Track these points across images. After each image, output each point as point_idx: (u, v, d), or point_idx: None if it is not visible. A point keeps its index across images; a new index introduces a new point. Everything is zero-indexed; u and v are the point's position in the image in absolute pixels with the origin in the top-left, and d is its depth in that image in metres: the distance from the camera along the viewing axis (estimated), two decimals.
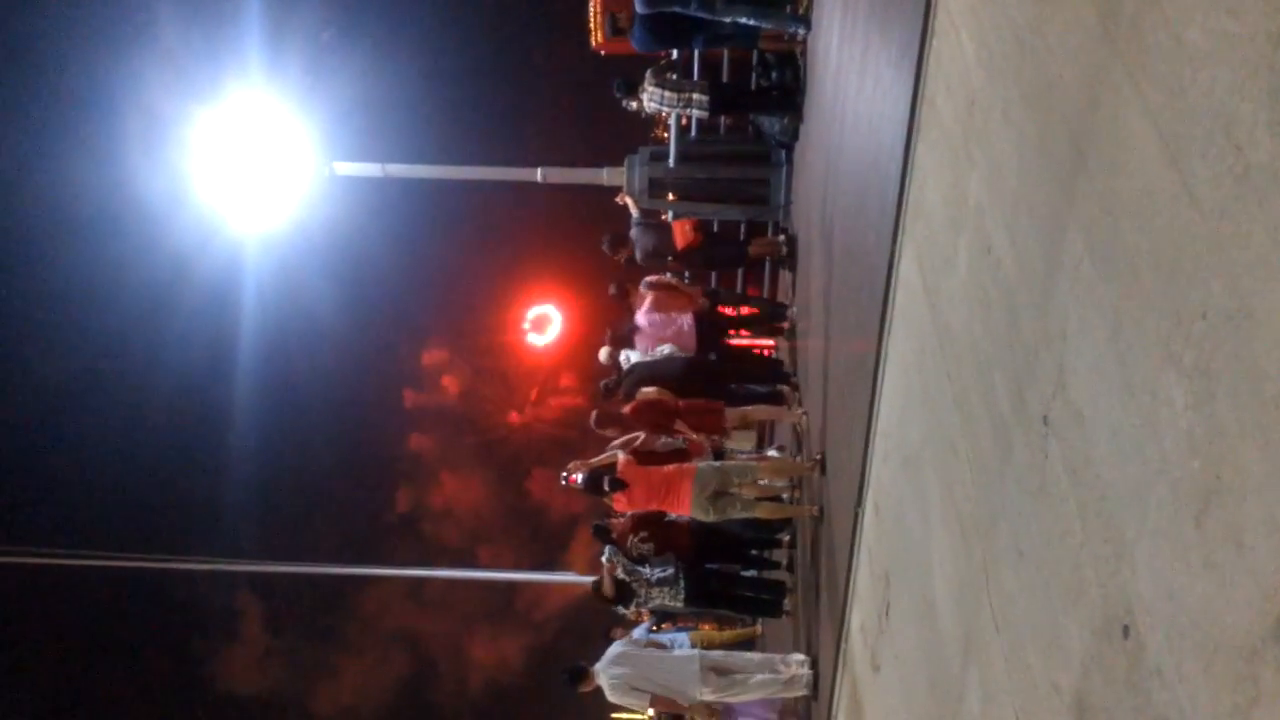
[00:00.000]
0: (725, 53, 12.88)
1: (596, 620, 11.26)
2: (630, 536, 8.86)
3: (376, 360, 47.03)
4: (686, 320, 10.33)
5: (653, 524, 8.69)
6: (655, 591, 9.56)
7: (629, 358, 10.54)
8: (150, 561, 17.41)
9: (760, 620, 12.18)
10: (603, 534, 9.12)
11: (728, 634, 12.67)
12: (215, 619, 45.83)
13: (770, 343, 12.68)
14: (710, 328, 10.78)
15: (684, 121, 12.85)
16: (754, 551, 10.47)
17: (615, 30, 11.56)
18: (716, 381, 10.51)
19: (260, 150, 14.39)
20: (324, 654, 48.88)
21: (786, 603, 9.84)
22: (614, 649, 8.14)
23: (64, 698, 41.89)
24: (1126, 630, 2.23)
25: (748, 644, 12.72)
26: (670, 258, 11.78)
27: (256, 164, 14.43)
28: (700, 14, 10.30)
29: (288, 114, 14.73)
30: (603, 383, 10.21)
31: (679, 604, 9.89)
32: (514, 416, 48.81)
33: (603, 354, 10.99)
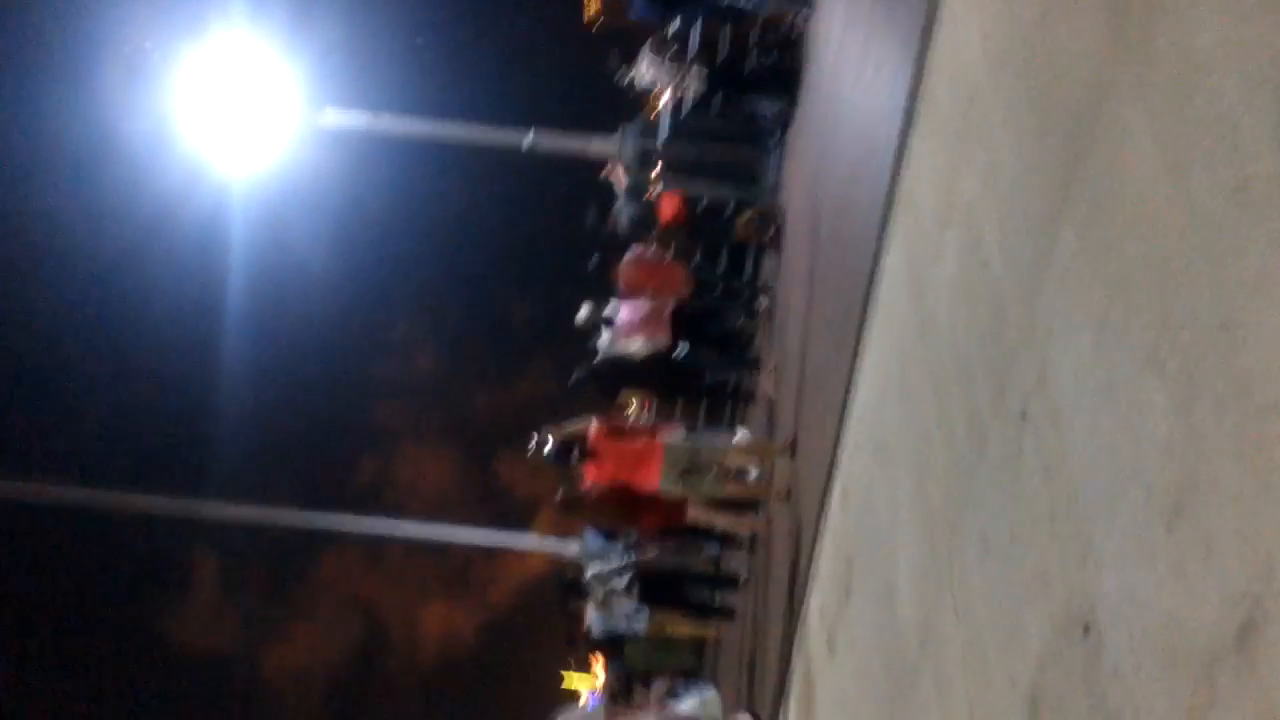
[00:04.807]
0: (725, 29, 12.84)
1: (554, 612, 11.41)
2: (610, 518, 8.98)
3: (361, 312, 46.87)
4: (666, 308, 10.40)
5: (621, 499, 8.71)
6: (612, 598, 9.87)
7: (609, 316, 10.51)
8: (105, 500, 17.15)
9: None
10: (573, 505, 9.14)
11: (683, 628, 12.74)
12: (172, 568, 45.61)
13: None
14: (687, 317, 10.86)
15: (679, 97, 12.81)
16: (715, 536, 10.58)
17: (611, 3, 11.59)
18: (682, 378, 10.66)
19: (248, 94, 14.25)
20: (280, 613, 48.84)
21: (736, 601, 10.01)
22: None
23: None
24: (1087, 628, 2.25)
25: (700, 643, 12.82)
26: (654, 231, 11.78)
27: (244, 107, 14.29)
28: None
29: (276, 58, 14.58)
30: (574, 377, 10.22)
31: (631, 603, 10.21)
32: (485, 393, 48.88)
33: (580, 314, 10.98)
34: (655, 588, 10.80)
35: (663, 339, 10.37)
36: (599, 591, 10.36)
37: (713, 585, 11.19)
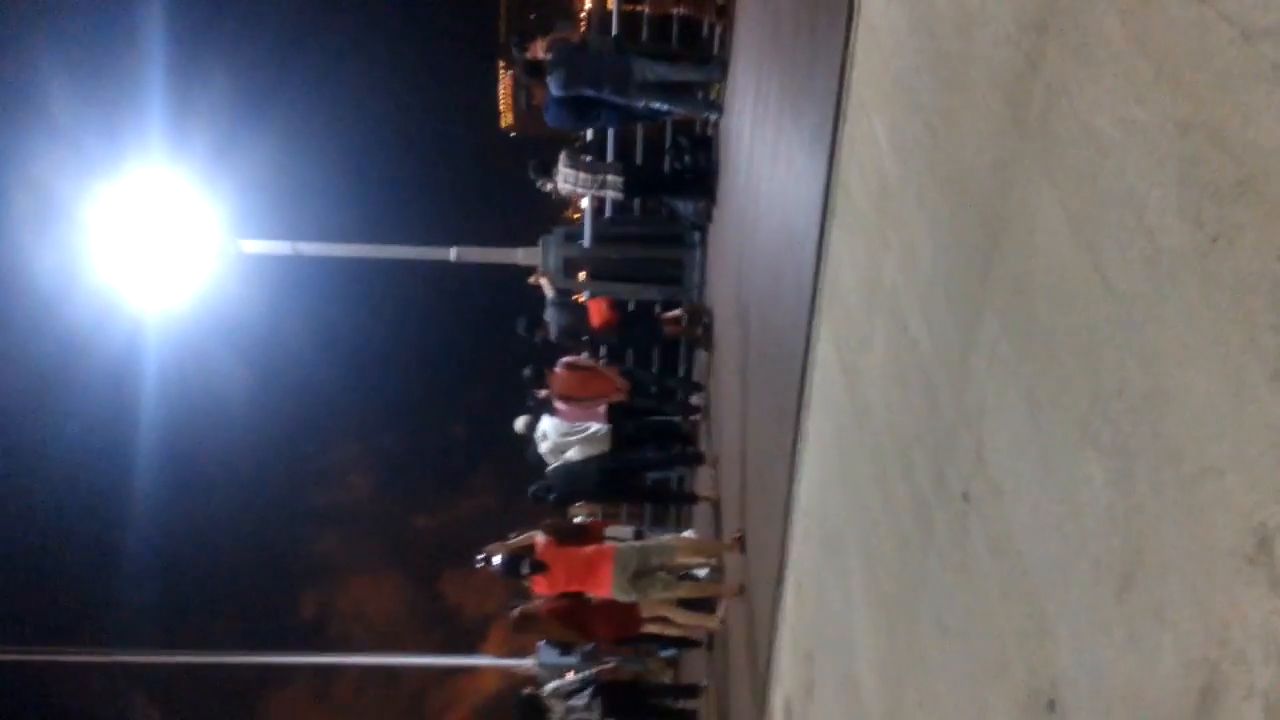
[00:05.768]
0: (639, 134, 13.10)
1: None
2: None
3: (284, 445, 46.17)
4: (601, 411, 10.47)
5: (574, 609, 8.59)
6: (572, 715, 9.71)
7: (545, 433, 10.54)
8: (35, 654, 16.40)
9: None
10: (527, 624, 9.00)
11: None
12: None
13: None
14: (625, 417, 10.89)
15: (598, 202, 12.99)
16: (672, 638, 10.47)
17: (528, 106, 11.86)
18: (630, 484, 10.68)
19: (164, 228, 14.07)
20: None
21: (699, 707, 9.89)
22: None
23: None
24: (1052, 705, 2.24)
25: None
26: (586, 337, 11.84)
27: (160, 242, 14.09)
28: (614, 98, 10.47)
29: (193, 191, 14.42)
30: (531, 491, 10.20)
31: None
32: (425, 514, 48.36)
33: (518, 424, 10.96)
34: (617, 701, 10.61)
35: (601, 427, 10.42)
36: (559, 709, 10.14)
37: (674, 694, 11.06)
